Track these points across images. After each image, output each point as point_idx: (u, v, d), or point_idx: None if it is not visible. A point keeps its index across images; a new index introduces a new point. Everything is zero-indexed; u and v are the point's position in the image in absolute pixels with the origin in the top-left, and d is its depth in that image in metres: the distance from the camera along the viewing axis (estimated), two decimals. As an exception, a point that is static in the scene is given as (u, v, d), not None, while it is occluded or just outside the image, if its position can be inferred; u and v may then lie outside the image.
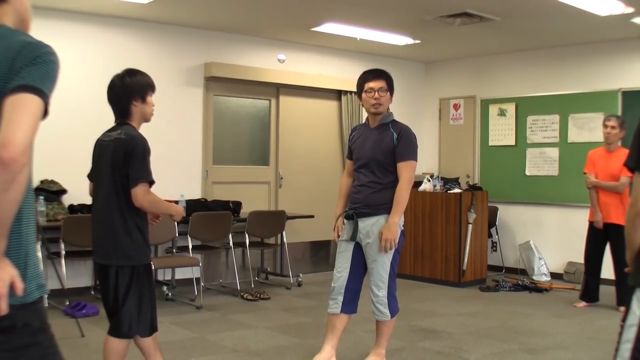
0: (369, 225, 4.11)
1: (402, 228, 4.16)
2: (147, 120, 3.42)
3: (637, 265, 2.01)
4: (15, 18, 1.81)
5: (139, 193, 3.20)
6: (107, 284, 3.33)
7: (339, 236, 4.28)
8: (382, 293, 4.12)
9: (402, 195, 4.05)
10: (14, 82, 1.62)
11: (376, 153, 4.11)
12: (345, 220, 4.25)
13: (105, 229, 3.31)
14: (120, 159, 3.23)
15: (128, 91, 3.31)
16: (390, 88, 4.21)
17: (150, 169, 3.27)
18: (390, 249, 4.04)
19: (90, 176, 3.50)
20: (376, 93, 4.14)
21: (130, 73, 3.36)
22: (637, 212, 1.99)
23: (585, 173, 6.31)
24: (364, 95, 4.20)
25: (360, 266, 4.22)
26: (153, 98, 3.40)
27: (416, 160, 4.14)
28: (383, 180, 4.10)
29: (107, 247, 3.31)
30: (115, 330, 3.33)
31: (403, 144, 4.08)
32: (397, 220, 4.03)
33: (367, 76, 4.22)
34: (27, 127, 1.58)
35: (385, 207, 4.08)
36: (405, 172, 4.07)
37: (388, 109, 4.24)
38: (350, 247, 4.20)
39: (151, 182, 3.27)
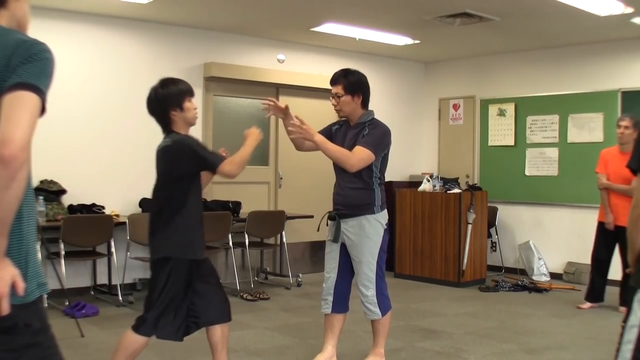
0: (351, 227, 4.08)
1: (386, 227, 4.14)
2: (192, 124, 3.49)
3: (639, 267, 2.00)
4: (11, 22, 1.82)
5: (225, 170, 3.37)
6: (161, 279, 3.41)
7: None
8: (371, 292, 4.10)
9: (336, 149, 3.95)
10: (11, 79, 1.63)
11: None
12: (328, 221, 4.24)
13: (165, 227, 3.41)
14: (175, 163, 3.35)
15: (163, 103, 3.38)
16: (351, 89, 4.07)
17: (210, 151, 3.45)
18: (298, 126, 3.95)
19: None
20: (333, 99, 4.14)
21: (163, 84, 3.41)
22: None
23: (597, 172, 6.26)
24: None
25: (347, 266, 4.20)
26: (193, 101, 3.46)
27: (373, 153, 3.95)
28: (361, 180, 4.04)
29: (163, 243, 3.41)
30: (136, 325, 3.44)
31: (367, 135, 4.01)
32: (317, 139, 3.94)
33: (330, 80, 4.19)
34: (26, 124, 1.59)
35: (365, 208, 4.05)
36: (356, 154, 3.92)
37: (365, 108, 4.14)
38: (336, 248, 4.19)
39: (222, 158, 3.40)
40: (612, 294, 6.24)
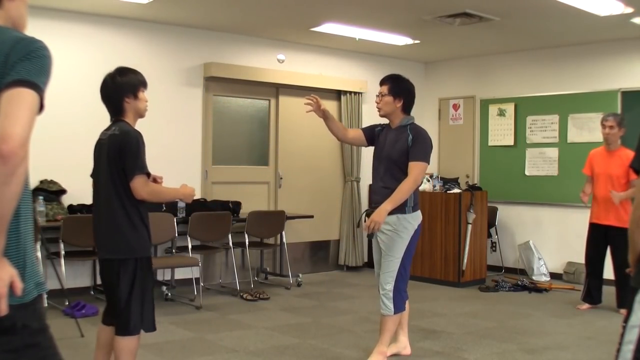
0: (384, 223, 4.24)
1: (417, 228, 4.31)
2: (141, 115, 3.47)
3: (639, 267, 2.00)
4: (7, 23, 1.81)
5: (137, 186, 3.25)
6: (110, 280, 3.34)
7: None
8: (389, 287, 4.26)
9: (403, 188, 4.17)
10: (10, 76, 1.63)
11: (391, 153, 4.30)
12: (366, 218, 4.40)
13: (109, 223, 3.33)
14: (116, 155, 3.28)
15: (119, 89, 3.35)
16: (395, 91, 4.35)
17: (145, 161, 3.31)
18: (372, 229, 4.17)
19: (93, 175, 3.55)
20: (376, 97, 4.43)
21: (121, 72, 3.41)
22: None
23: (584, 173, 6.30)
24: None
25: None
26: (145, 94, 3.45)
27: (427, 163, 4.30)
28: (398, 180, 4.22)
29: (111, 241, 3.33)
30: (122, 329, 3.32)
31: (417, 145, 4.26)
32: (388, 207, 4.15)
33: (380, 80, 4.51)
34: (25, 120, 1.60)
35: (398, 207, 4.21)
36: (414, 170, 4.21)
37: (405, 113, 4.40)
38: (376, 245, 4.42)
39: (148, 174, 3.31)
40: (609, 294, 6.23)
